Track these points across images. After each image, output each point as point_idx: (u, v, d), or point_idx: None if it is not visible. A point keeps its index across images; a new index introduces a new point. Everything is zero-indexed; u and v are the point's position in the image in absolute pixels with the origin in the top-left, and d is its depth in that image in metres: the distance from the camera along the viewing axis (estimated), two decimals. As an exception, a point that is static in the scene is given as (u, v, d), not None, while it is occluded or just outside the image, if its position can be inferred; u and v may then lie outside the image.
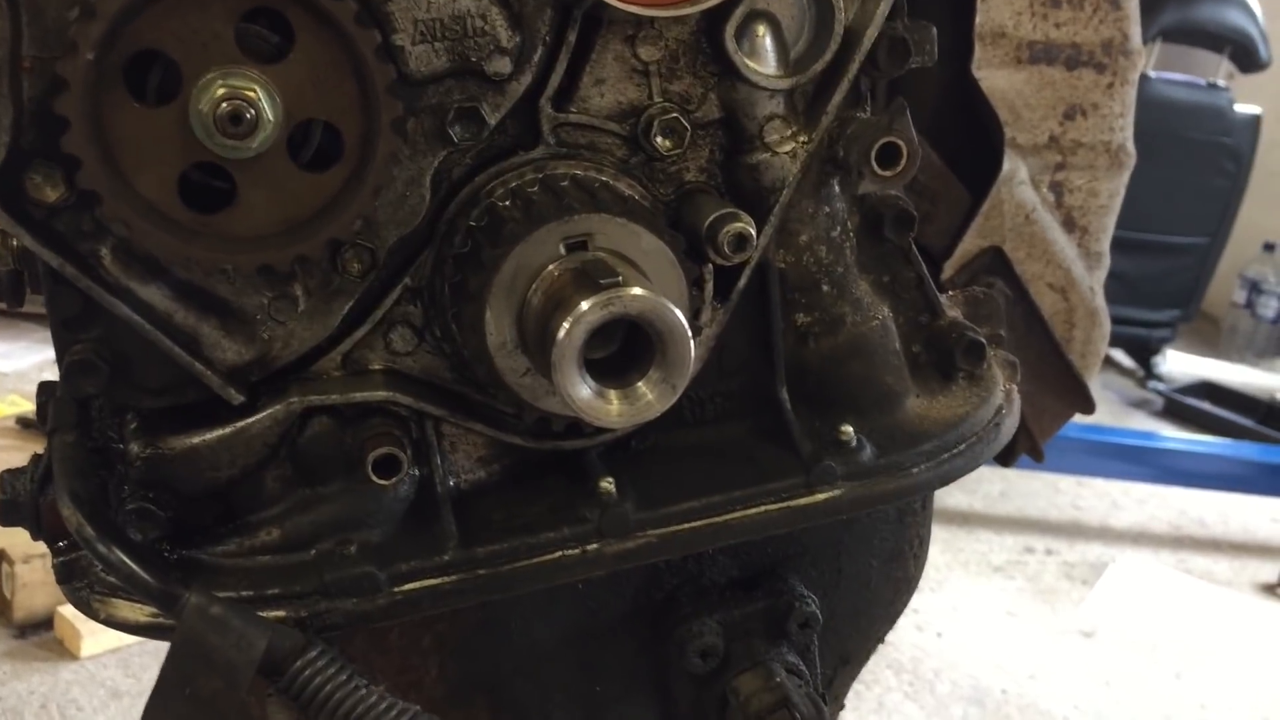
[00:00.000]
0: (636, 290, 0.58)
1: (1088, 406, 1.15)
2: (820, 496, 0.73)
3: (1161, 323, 4.57)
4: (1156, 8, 4.18)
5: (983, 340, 0.73)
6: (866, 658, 0.84)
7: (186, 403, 0.64)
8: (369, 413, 0.65)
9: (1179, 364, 4.95)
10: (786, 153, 0.68)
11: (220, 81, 0.54)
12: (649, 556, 0.71)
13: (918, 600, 3.62)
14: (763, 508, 0.72)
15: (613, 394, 0.60)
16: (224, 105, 0.53)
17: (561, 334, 0.57)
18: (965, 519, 3.58)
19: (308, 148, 0.59)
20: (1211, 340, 5.42)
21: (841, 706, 0.84)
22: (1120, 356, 5.07)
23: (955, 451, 0.72)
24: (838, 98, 0.68)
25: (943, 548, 3.44)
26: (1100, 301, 1.13)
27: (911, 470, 0.71)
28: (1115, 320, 4.42)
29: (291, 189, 0.57)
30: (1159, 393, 4.58)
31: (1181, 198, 4.30)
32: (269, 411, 0.63)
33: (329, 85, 0.56)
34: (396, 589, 0.65)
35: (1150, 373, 4.71)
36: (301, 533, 0.65)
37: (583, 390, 0.58)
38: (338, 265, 0.63)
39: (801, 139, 0.68)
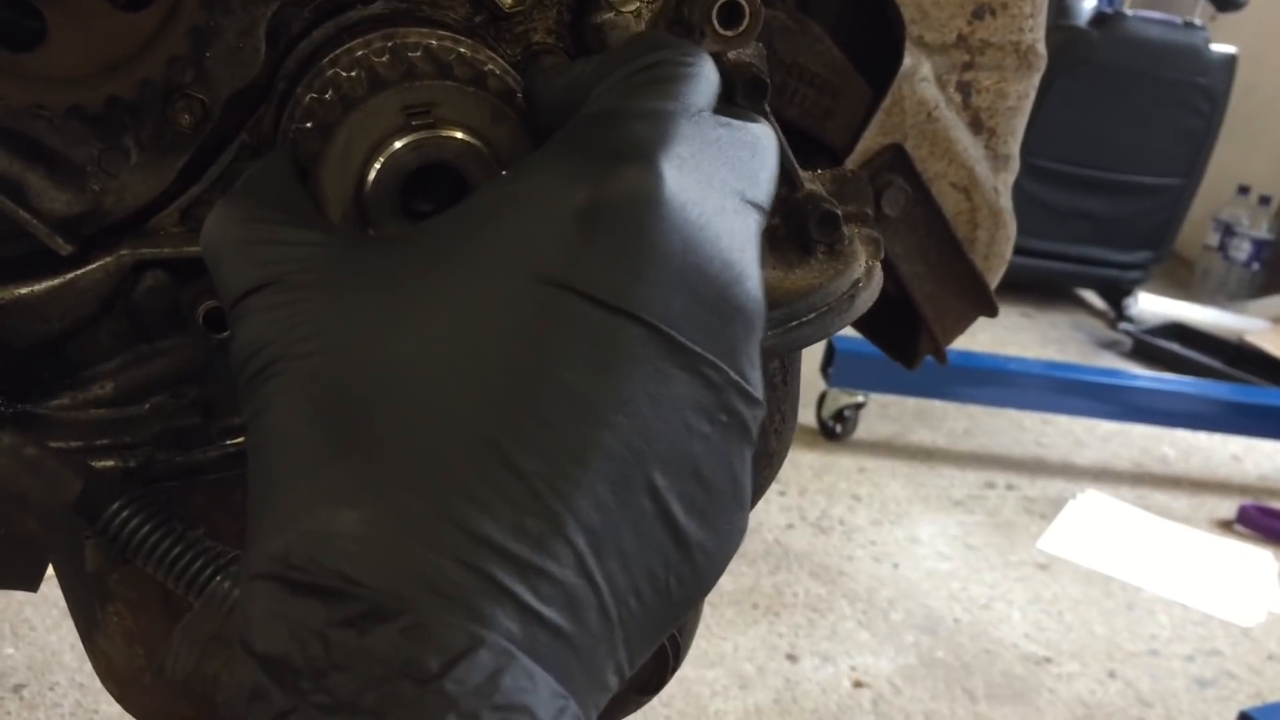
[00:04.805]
0: (455, 133, 0.57)
1: (990, 309, 1.15)
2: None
3: (1133, 264, 4.57)
4: (1134, -55, 4.15)
5: (836, 211, 0.73)
6: (730, 533, 0.84)
7: (17, 255, 0.63)
8: (204, 269, 0.64)
9: (1151, 306, 4.97)
10: (630, 12, 0.67)
11: (23, -86, 0.53)
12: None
13: (875, 533, 3.66)
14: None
15: None
16: (25, -63, 0.53)
17: (371, 175, 0.56)
18: (929, 455, 3.60)
19: (125, -12, 0.59)
20: (1184, 283, 5.43)
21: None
22: (1091, 297, 5.08)
23: (804, 320, 0.71)
24: (682, -43, 0.67)
25: (904, 482, 3.46)
26: (1006, 203, 1.12)
27: (757, 337, 0.71)
28: (1086, 261, 4.42)
29: (105, 28, 0.56)
30: (1128, 334, 4.59)
31: (1155, 138, 4.29)
32: (100, 264, 0.63)
33: (140, -77, 0.55)
34: (228, 442, 0.65)
35: (1121, 314, 4.72)
36: (136, 386, 0.65)
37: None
38: (168, 116, 0.62)
39: (647, -1, 0.67)
